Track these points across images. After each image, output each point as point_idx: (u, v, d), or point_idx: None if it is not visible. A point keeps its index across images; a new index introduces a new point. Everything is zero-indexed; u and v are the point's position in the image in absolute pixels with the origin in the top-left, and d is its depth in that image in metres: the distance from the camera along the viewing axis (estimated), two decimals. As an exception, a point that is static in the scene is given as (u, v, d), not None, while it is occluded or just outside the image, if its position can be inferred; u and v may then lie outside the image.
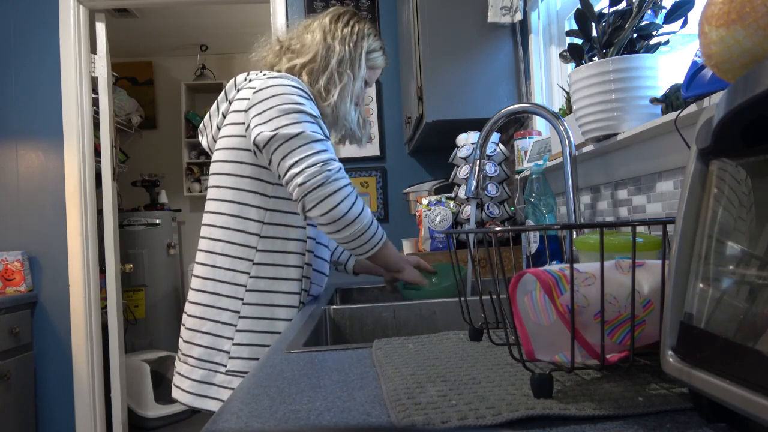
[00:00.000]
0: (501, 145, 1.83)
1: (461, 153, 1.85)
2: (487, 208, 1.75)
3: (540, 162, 1.43)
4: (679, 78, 0.94)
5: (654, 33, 1.08)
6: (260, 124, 1.22)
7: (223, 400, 1.22)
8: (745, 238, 0.41)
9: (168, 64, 4.61)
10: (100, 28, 2.97)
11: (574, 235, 0.98)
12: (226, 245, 1.28)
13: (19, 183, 2.82)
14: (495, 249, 0.60)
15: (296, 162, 1.18)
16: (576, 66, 1.18)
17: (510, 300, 0.57)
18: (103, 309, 2.97)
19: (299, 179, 1.17)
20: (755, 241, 0.40)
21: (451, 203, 1.81)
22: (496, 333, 0.82)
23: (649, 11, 1.07)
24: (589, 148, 1.24)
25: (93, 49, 2.98)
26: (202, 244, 1.33)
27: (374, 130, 2.78)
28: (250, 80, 1.34)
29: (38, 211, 2.81)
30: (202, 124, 1.46)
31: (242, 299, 1.26)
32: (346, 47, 1.40)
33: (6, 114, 2.81)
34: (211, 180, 1.35)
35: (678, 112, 0.88)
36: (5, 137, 2.82)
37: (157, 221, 4.00)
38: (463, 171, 1.82)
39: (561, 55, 1.24)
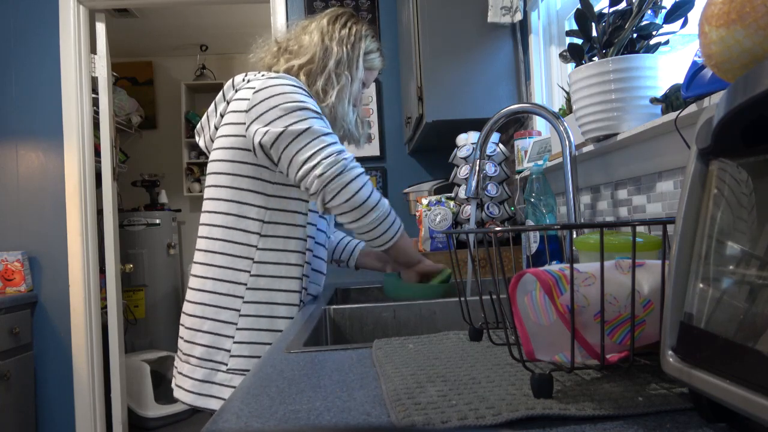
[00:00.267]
0: (501, 145, 1.83)
1: (461, 153, 1.85)
2: (487, 208, 1.75)
3: (540, 162, 1.43)
4: (679, 78, 0.94)
5: (654, 33, 1.08)
6: (265, 124, 1.22)
7: (224, 399, 1.22)
8: (745, 238, 0.41)
9: (168, 64, 4.61)
10: (100, 28, 2.97)
11: (574, 235, 0.98)
12: (226, 244, 1.28)
13: (19, 183, 2.82)
14: (495, 249, 0.60)
15: (311, 156, 1.19)
16: (576, 66, 1.18)
17: (510, 300, 0.57)
18: (103, 309, 2.97)
19: (317, 170, 1.18)
20: (755, 241, 0.40)
21: (451, 203, 1.81)
22: (496, 333, 0.82)
23: (649, 11, 1.07)
24: (589, 148, 1.24)
25: (93, 49, 2.98)
26: (201, 243, 1.33)
27: (374, 130, 2.78)
28: (248, 81, 1.34)
29: (38, 211, 2.81)
30: (199, 124, 1.47)
31: (243, 297, 1.26)
32: (344, 49, 1.40)
33: (6, 114, 2.81)
34: (209, 180, 1.35)
35: (678, 112, 0.88)
36: (5, 137, 2.82)
37: (157, 221, 4.00)
38: (463, 171, 1.82)
39: (561, 55, 1.24)
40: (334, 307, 1.26)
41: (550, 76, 1.92)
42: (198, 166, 4.51)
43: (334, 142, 1.23)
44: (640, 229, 0.81)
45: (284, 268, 1.28)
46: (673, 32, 1.08)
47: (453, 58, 2.02)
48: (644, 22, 1.08)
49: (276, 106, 1.23)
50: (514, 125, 2.15)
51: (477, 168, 1.32)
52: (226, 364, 1.24)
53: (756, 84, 0.36)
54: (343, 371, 0.68)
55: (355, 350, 0.80)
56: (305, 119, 1.22)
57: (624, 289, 0.54)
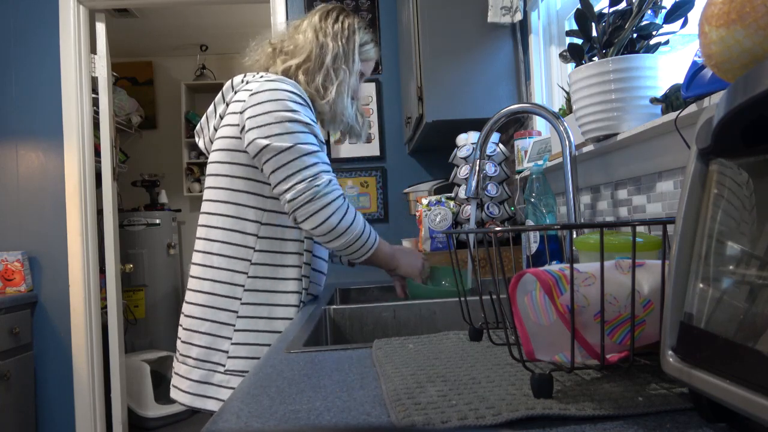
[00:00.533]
0: (501, 145, 1.83)
1: (461, 153, 1.85)
2: (487, 208, 1.75)
3: (540, 162, 1.43)
4: (679, 78, 0.94)
5: (654, 33, 1.08)
6: (254, 128, 1.23)
7: (222, 400, 1.22)
8: (745, 238, 0.41)
9: (168, 64, 4.61)
10: (100, 28, 2.97)
11: (574, 235, 0.98)
12: (224, 246, 1.28)
13: (19, 183, 2.82)
14: (495, 249, 0.60)
15: (286, 178, 1.21)
16: (576, 66, 1.18)
17: (510, 300, 0.57)
18: (103, 309, 2.97)
19: (288, 195, 1.21)
20: (755, 241, 0.40)
21: (451, 203, 1.81)
22: (496, 333, 0.82)
23: (649, 11, 1.06)
24: (589, 148, 1.24)
25: (93, 49, 2.98)
26: (199, 244, 1.33)
27: (374, 130, 2.78)
28: (246, 82, 1.34)
29: (38, 211, 2.81)
30: (198, 125, 1.47)
31: (240, 299, 1.26)
32: (339, 43, 1.41)
33: (6, 114, 2.81)
34: (207, 181, 1.35)
35: (678, 112, 0.88)
36: (5, 137, 2.82)
37: (157, 221, 4.00)
38: (463, 171, 1.82)
39: (561, 55, 1.24)
40: (334, 307, 1.26)
41: (550, 76, 1.92)
42: (198, 166, 4.51)
43: (315, 163, 1.23)
44: (640, 229, 0.81)
45: (281, 270, 1.28)
46: (673, 32, 1.08)
47: (453, 58, 2.02)
48: (644, 22, 1.08)
49: (267, 112, 1.23)
50: (514, 125, 2.15)
51: (477, 168, 1.32)
52: (224, 366, 1.24)
53: (756, 84, 0.36)
54: (343, 371, 0.68)
55: (355, 350, 0.80)
56: (291, 133, 1.22)
57: (624, 289, 0.54)
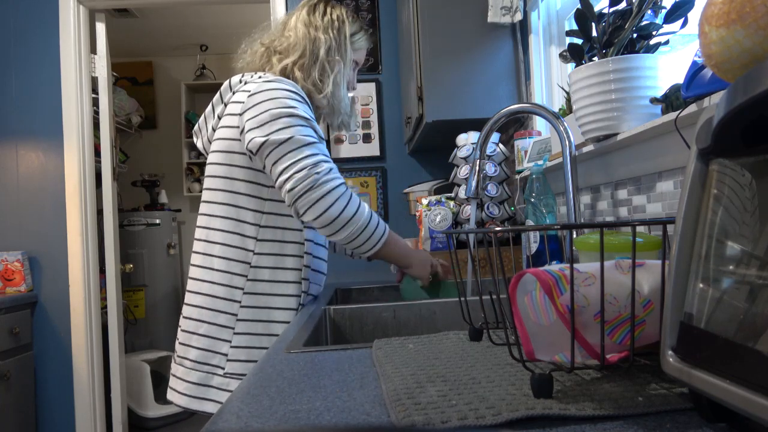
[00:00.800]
0: (501, 145, 1.83)
1: (461, 153, 1.85)
2: (487, 208, 1.75)
3: (540, 162, 1.43)
4: (679, 78, 0.94)
5: (654, 33, 1.08)
6: (253, 128, 1.22)
7: (221, 402, 1.21)
8: (745, 238, 0.41)
9: (168, 64, 4.61)
10: (100, 28, 2.97)
11: (574, 235, 0.97)
12: (223, 248, 1.28)
13: (19, 183, 2.82)
14: (495, 249, 0.60)
15: (285, 168, 1.19)
16: (576, 66, 1.18)
17: (510, 300, 0.57)
18: (103, 309, 2.97)
19: (288, 185, 1.19)
20: (755, 241, 0.40)
21: (451, 203, 1.81)
22: (496, 333, 0.82)
23: (649, 11, 1.07)
24: (589, 148, 1.24)
25: (93, 49, 2.98)
26: (198, 245, 1.32)
27: (374, 130, 2.78)
28: (245, 83, 1.34)
29: (38, 211, 2.81)
30: (197, 125, 1.46)
31: (239, 302, 1.26)
32: (331, 35, 1.40)
33: (6, 114, 2.81)
34: (206, 182, 1.35)
35: (678, 112, 0.88)
36: (5, 137, 2.82)
37: (157, 221, 4.00)
38: (463, 171, 1.82)
39: (561, 55, 1.24)
40: (334, 307, 1.26)
41: (550, 76, 1.92)
42: (198, 166, 4.50)
43: (314, 153, 1.21)
44: (640, 229, 0.81)
45: (281, 273, 1.28)
46: (673, 32, 1.08)
47: (453, 58, 2.02)
48: (644, 22, 1.08)
49: (266, 110, 1.23)
50: (514, 125, 2.15)
51: (477, 168, 1.32)
52: (223, 368, 1.23)
53: (756, 84, 0.36)
54: (343, 371, 0.68)
55: (355, 350, 0.80)
56: (289, 127, 1.21)
57: (624, 289, 0.54)
